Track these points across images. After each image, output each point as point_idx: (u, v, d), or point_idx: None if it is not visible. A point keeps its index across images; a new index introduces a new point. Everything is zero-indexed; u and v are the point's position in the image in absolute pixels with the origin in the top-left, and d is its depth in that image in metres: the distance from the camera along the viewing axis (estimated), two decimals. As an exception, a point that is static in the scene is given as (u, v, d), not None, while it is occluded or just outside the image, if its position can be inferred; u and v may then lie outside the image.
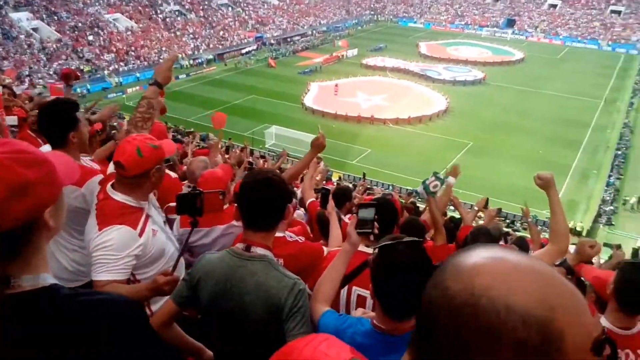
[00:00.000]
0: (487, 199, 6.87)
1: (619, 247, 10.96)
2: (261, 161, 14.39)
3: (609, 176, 25.79)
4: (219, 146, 6.51)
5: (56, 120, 2.50)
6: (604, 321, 2.22)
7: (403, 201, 10.08)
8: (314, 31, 57.68)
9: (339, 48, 49.78)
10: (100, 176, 2.44)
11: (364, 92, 37.89)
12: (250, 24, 54.49)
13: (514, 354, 0.59)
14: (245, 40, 50.70)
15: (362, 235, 2.11)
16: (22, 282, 0.99)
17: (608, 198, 23.47)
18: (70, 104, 2.63)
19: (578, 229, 20.32)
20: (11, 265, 0.98)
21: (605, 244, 12.01)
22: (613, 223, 21.86)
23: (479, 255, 0.67)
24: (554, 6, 64.10)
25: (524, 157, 27.37)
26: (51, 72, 34.33)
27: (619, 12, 60.02)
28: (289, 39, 53.98)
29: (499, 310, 0.60)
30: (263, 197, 1.84)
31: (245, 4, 57.67)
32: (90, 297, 1.08)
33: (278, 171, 2.44)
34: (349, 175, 23.86)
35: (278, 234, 2.38)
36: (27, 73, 32.92)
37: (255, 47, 50.00)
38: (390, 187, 21.89)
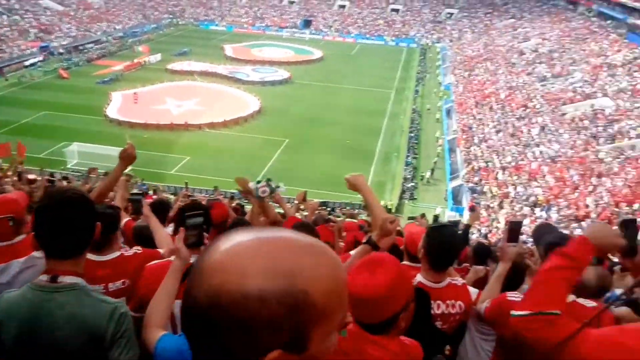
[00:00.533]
0: (306, 191, 7.24)
1: (422, 216, 12.45)
2: (64, 182, 12.80)
3: (407, 156, 29.27)
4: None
5: None
6: (419, 277, 2.47)
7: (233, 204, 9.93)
8: (109, 37, 53.43)
9: (140, 54, 47.02)
10: None
11: (174, 97, 36.48)
12: (33, 32, 48.10)
13: (272, 333, 0.63)
14: (28, 51, 44.61)
15: (191, 247, 2.02)
16: None
17: (408, 176, 26.63)
18: None
19: (389, 207, 22.58)
20: None
21: (410, 217, 13.54)
22: (415, 197, 24.94)
23: (215, 252, 0.68)
24: (343, 7, 70.04)
25: (335, 148, 29.50)
26: None
27: (397, 10, 68.22)
28: (80, 47, 49.06)
29: (238, 302, 0.62)
30: (65, 219, 1.60)
31: (23, 11, 50.70)
32: None
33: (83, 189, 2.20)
34: (168, 187, 22.76)
35: (112, 255, 2.35)
36: None
37: (41, 57, 44.26)
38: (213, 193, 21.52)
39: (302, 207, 7.43)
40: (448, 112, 36.54)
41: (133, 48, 49.81)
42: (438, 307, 2.42)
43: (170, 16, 64.93)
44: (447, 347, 2.37)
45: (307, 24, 66.28)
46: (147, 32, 58.27)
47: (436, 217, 13.88)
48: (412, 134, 32.54)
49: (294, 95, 40.05)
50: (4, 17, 48.24)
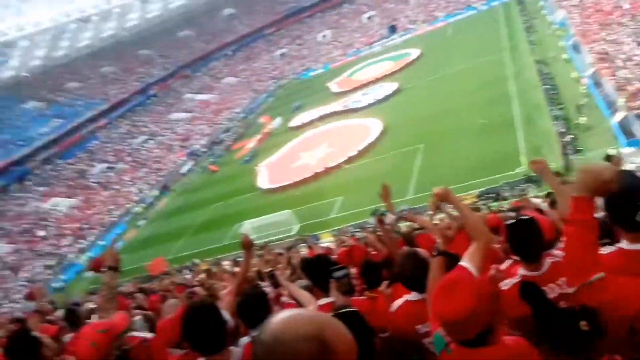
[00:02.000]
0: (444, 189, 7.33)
1: (608, 158, 11.53)
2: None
3: (550, 110, 27.32)
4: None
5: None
6: (521, 271, 2.60)
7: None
8: (234, 122, 59.31)
9: (264, 125, 51.31)
10: None
11: (306, 150, 38.98)
12: (176, 145, 55.59)
13: None
14: (180, 162, 51.52)
15: (345, 294, 2.68)
16: None
17: (562, 130, 24.71)
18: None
19: (557, 169, 21.23)
20: None
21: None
22: (580, 149, 22.79)
23: (277, 316, 1.14)
24: (421, -3, 68.79)
25: (471, 132, 28.79)
26: (24, 283, 33.69)
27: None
28: (217, 140, 55.24)
29: (292, 340, 1.04)
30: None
31: (161, 131, 58.93)
32: None
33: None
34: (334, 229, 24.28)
35: None
36: (3, 295, 32.30)
37: (192, 163, 50.86)
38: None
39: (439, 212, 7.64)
40: (574, 47, 33.50)
41: (256, 122, 54.55)
42: (552, 291, 2.44)
43: (274, 80, 69.94)
44: (583, 322, 2.17)
45: (392, 29, 66.33)
46: (262, 103, 63.50)
47: (609, 157, 12.85)
48: (547, 86, 30.40)
49: (409, 101, 40.15)
50: (151, 142, 56.52)
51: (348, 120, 41.89)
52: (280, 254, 12.43)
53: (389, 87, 45.78)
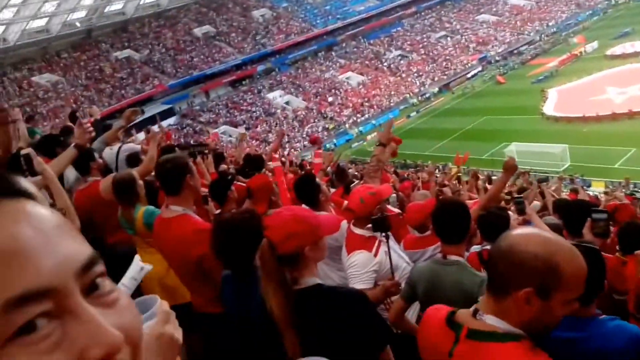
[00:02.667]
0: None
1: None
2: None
3: None
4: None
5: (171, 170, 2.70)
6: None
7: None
8: (542, 35, 53.44)
9: (575, 45, 45.01)
10: (345, 222, 3.13)
11: (615, 85, 33.11)
12: (472, 47, 53.80)
13: (533, 276, 1.21)
14: (469, 65, 50.16)
15: (598, 237, 2.81)
16: (302, 282, 1.75)
17: None
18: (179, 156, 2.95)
19: None
20: (296, 272, 1.75)
21: None
22: None
23: (517, 230, 1.36)
24: None
25: None
26: (304, 136, 39.91)
27: None
28: (514, 51, 51.28)
29: (524, 253, 1.22)
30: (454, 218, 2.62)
31: (463, 30, 57.41)
32: (340, 289, 1.98)
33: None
34: (612, 182, 20.95)
35: None
36: (287, 140, 39.03)
37: (480, 68, 49.01)
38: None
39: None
40: None
41: (567, 41, 48.17)
42: None
43: (607, -3, 58.97)
44: None
45: None
46: (582, 21, 54.98)
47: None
48: None
49: None
50: (448, 39, 55.81)
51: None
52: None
53: None
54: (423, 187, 8.33)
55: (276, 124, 42.29)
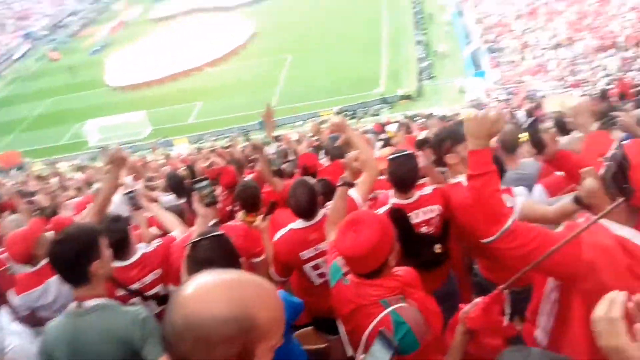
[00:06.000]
0: (342, 120, 7.07)
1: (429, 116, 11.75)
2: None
3: (415, 35, 27.88)
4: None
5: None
6: (393, 199, 2.82)
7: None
8: (85, 4, 51.38)
9: (119, 12, 45.34)
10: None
11: (165, 47, 35.48)
12: (10, 23, 46.88)
13: (228, 347, 0.85)
14: (13, 44, 43.80)
15: (209, 206, 2.54)
16: None
17: (422, 55, 25.50)
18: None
19: (410, 94, 22.11)
20: None
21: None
22: (433, 75, 23.96)
23: (188, 288, 0.90)
24: None
25: (339, 49, 28.41)
26: None
27: None
28: (60, 23, 47.70)
29: (206, 322, 0.85)
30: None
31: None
32: None
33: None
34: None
35: (134, 257, 2.64)
36: None
37: (28, 46, 43.51)
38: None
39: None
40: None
41: (110, 9, 48.02)
42: (417, 216, 2.73)
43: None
44: (437, 245, 2.70)
45: None
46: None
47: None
48: (415, 9, 30.85)
49: (284, 6, 38.25)
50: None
51: (216, 18, 38.80)
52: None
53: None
54: None
55: None
